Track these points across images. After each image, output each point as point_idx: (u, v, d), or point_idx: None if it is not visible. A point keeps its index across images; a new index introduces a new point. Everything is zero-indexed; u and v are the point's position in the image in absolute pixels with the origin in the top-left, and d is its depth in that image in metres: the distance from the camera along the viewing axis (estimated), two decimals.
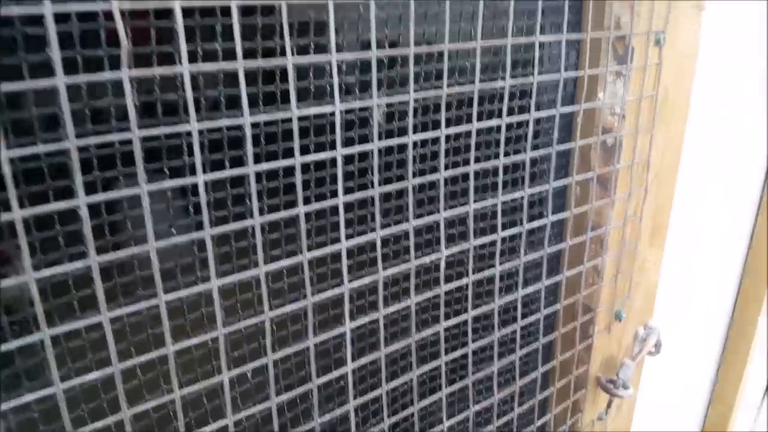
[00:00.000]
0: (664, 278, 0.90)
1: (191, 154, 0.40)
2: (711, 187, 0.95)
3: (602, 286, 0.73)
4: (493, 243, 0.59)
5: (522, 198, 0.59)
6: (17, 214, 0.34)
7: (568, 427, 0.77)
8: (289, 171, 0.45)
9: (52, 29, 0.32)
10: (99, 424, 0.41)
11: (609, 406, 0.79)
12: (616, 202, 0.70)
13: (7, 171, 0.33)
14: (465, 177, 0.55)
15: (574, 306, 0.72)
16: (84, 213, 0.36)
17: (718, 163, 0.93)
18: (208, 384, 0.46)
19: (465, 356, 0.61)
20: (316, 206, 0.47)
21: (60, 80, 0.33)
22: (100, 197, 0.37)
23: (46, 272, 0.36)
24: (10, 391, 0.38)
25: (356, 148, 0.47)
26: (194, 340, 0.44)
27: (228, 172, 0.42)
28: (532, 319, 0.66)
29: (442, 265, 0.55)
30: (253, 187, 0.43)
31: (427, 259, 0.55)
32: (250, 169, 0.42)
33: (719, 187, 0.96)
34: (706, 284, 1.06)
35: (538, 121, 0.64)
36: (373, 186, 0.49)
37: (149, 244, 0.39)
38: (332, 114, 0.44)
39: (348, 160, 0.48)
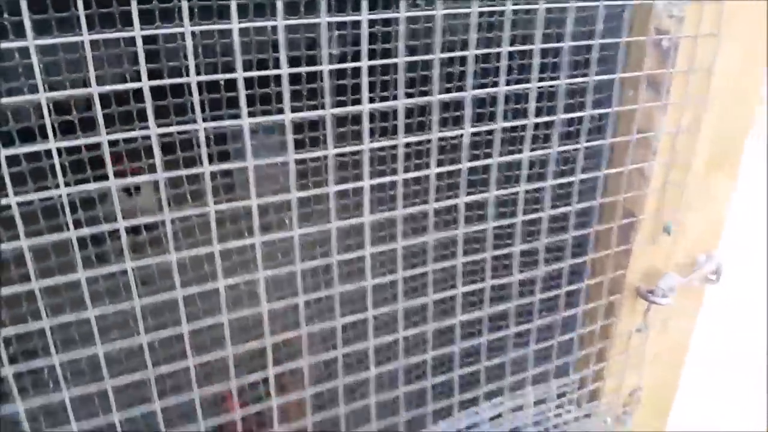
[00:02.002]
0: (736, 212, 0.88)
1: None
2: None
3: (648, 193, 0.75)
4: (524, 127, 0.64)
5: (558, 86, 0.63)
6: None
7: (599, 327, 0.80)
8: None
9: None
10: None
11: (647, 312, 0.81)
12: (669, 108, 0.71)
13: None
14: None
15: (614, 207, 0.74)
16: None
17: None
18: None
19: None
20: None
21: None
22: None
23: None
24: None
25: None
26: None
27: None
28: (564, 209, 0.69)
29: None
30: None
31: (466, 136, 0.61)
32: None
33: None
34: None
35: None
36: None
37: None
38: None
39: None
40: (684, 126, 0.73)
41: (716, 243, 0.89)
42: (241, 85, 0.48)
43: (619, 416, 0.90)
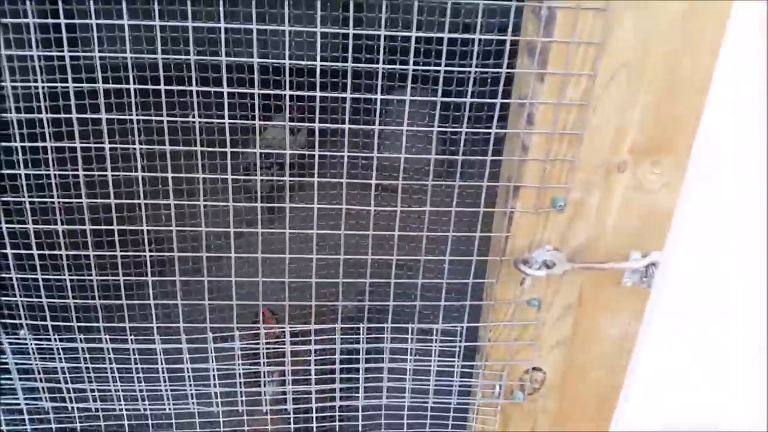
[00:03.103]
0: (685, 210, 0.81)
1: None
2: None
3: (528, 161, 0.75)
4: None
5: None
6: None
7: (470, 287, 0.82)
8: None
9: None
10: None
11: (522, 283, 0.81)
12: (551, 78, 0.71)
13: None
14: None
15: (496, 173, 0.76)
16: None
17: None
18: None
19: None
20: None
21: None
22: None
23: None
24: None
25: None
26: None
27: None
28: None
29: None
30: None
31: None
32: None
33: None
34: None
35: None
36: None
37: None
38: None
39: None
40: (568, 98, 0.72)
41: (659, 242, 0.83)
42: None
43: (513, 389, 0.91)
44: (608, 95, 0.72)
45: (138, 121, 0.75)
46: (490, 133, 0.74)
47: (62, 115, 0.71)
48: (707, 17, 0.68)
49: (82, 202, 0.74)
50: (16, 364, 0.85)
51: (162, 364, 0.87)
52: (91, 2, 0.63)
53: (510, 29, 0.71)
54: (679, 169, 0.78)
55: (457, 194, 0.78)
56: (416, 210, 0.79)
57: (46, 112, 0.72)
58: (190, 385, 0.88)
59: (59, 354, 0.85)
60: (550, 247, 0.78)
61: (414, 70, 0.71)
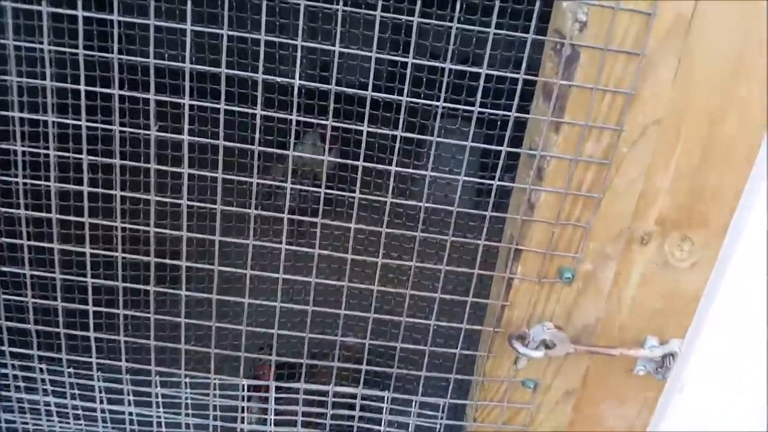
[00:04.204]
0: (716, 294, 0.69)
1: None
2: None
3: (534, 222, 0.64)
4: None
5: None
6: None
7: (458, 354, 0.71)
8: None
9: None
10: None
11: (516, 362, 0.69)
12: (563, 128, 0.60)
13: None
14: None
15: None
16: None
17: None
18: None
19: None
20: None
21: None
22: None
23: None
24: None
25: None
26: None
27: None
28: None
29: None
30: None
31: None
32: None
33: None
34: None
35: None
36: None
37: None
38: None
39: None
40: (587, 154, 0.61)
41: (681, 329, 0.71)
42: None
43: None
44: (635, 154, 0.61)
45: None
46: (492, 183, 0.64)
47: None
48: (760, 76, 0.57)
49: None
50: None
51: (103, 403, 0.77)
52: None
53: (524, 65, 0.61)
54: (712, 247, 0.66)
55: (451, 249, 0.67)
56: (402, 263, 0.69)
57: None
58: None
59: None
60: (550, 325, 0.66)
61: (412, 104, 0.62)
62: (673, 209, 0.64)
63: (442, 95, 0.63)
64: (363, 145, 0.67)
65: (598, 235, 0.64)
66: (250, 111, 0.59)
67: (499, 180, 0.64)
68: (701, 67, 0.57)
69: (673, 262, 0.67)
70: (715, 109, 0.59)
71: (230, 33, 0.56)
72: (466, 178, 0.63)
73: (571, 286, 0.67)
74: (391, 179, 0.64)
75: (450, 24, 0.57)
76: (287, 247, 0.67)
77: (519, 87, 0.58)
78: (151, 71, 0.55)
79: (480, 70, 0.57)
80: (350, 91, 0.63)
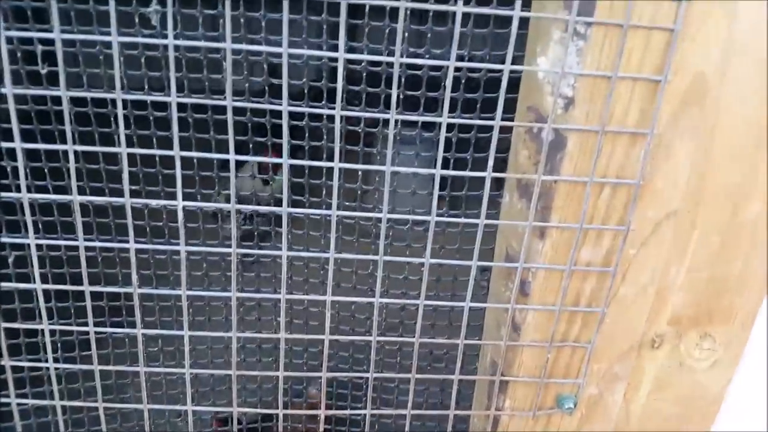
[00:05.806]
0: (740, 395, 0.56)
1: None
2: None
3: (522, 345, 0.49)
4: None
5: None
6: None
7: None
8: None
9: None
10: None
11: None
12: (549, 233, 0.45)
13: None
14: None
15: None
16: None
17: None
18: None
19: None
20: None
21: None
22: None
23: None
24: None
25: None
26: None
27: None
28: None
29: None
30: None
31: None
32: None
33: None
34: None
35: None
36: None
37: None
38: None
39: None
40: (584, 263, 0.46)
41: None
42: None
43: None
44: (646, 256, 0.47)
45: None
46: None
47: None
48: None
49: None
50: None
51: None
52: None
53: (492, 152, 0.45)
54: (736, 343, 0.54)
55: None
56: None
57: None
58: None
59: None
60: None
61: None
62: (689, 306, 0.51)
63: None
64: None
65: (603, 354, 0.50)
66: None
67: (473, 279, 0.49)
68: (722, 140, 0.43)
69: (690, 363, 0.54)
70: (737, 187, 0.46)
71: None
72: (427, 302, 0.47)
73: (573, 415, 0.52)
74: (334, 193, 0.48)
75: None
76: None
77: (488, 177, 0.42)
78: None
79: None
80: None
